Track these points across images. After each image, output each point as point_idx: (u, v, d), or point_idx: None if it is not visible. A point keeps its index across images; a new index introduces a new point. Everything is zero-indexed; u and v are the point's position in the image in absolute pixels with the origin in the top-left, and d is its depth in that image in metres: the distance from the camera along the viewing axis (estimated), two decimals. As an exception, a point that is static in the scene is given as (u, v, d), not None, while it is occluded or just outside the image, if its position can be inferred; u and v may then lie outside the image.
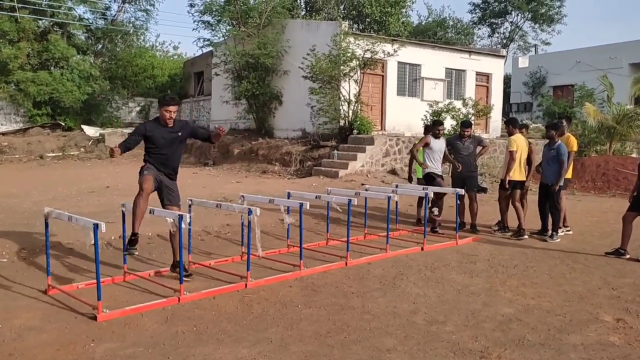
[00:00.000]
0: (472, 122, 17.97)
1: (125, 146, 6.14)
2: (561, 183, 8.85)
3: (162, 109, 6.19)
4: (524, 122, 13.87)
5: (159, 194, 6.36)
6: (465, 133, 9.68)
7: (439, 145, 9.51)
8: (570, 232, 9.42)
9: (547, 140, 9.15)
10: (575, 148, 9.30)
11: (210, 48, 24.67)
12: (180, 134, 6.31)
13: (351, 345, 4.43)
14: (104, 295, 5.06)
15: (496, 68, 23.58)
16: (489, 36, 40.82)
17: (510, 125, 9.45)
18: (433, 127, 9.72)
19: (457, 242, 8.48)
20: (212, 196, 11.34)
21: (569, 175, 9.35)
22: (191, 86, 30.92)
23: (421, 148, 9.70)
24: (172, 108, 6.20)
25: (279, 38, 20.83)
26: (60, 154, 22.54)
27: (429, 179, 9.45)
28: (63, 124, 25.77)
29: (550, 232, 8.93)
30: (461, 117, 17.12)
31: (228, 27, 22.80)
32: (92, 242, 4.91)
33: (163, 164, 6.31)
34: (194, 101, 29.70)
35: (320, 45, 17.84)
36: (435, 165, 9.50)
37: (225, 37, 22.72)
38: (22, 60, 25.37)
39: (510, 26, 38.94)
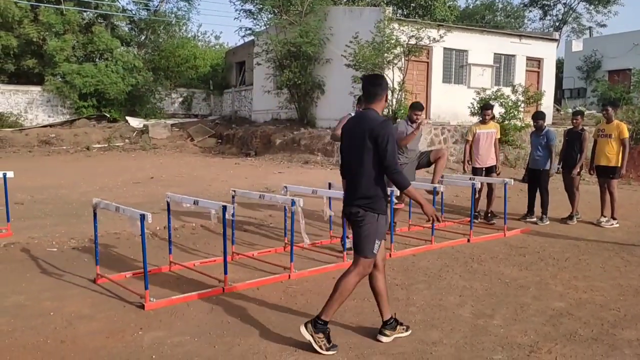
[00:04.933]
0: (523, 109, 17.45)
1: None
2: (551, 168, 9.20)
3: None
4: (577, 108, 13.49)
5: None
6: (415, 116, 8.20)
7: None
8: (618, 225, 9.08)
9: (541, 129, 9.39)
10: (626, 135, 9.03)
11: (252, 37, 24.77)
12: None
13: (396, 338, 4.37)
14: (151, 285, 5.12)
15: (548, 52, 22.92)
16: (540, 19, 39.73)
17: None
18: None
19: (505, 233, 8.29)
20: (255, 187, 11.40)
21: (619, 163, 9.08)
22: (233, 76, 31.10)
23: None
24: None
25: (321, 26, 20.73)
26: (105, 145, 23.06)
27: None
28: (108, 116, 26.31)
29: (540, 215, 9.27)
30: (510, 104, 16.70)
31: (270, 16, 22.88)
32: (139, 232, 4.96)
33: None
34: (235, 91, 29.90)
35: (364, 32, 17.67)
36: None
37: (267, 26, 22.78)
38: (68, 53, 26.04)
39: (564, 8, 37.71)
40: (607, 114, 9.21)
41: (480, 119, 9.62)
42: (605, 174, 9.11)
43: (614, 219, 9.13)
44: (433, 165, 8.48)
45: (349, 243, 7.09)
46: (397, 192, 7.30)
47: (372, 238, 4.15)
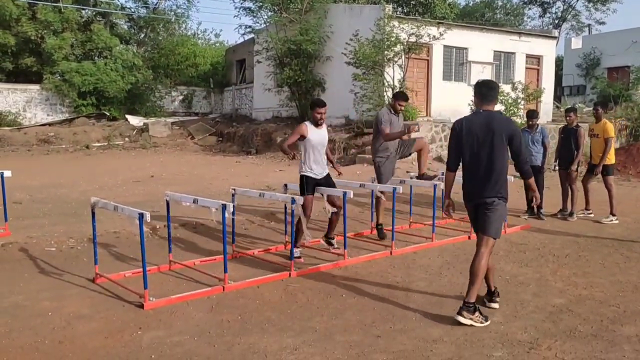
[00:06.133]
0: (523, 106, 17.34)
1: None
2: (545, 164, 9.55)
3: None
4: (570, 105, 13.55)
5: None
6: (399, 106, 7.75)
7: (319, 136, 6.73)
8: (617, 222, 9.13)
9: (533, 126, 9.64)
10: (612, 134, 9.23)
11: (252, 35, 24.73)
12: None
13: (396, 335, 4.37)
14: (151, 284, 5.11)
15: (547, 50, 22.93)
16: (540, 16, 39.63)
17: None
18: (311, 110, 6.75)
19: (506, 230, 8.27)
20: (256, 185, 11.38)
21: (611, 160, 9.35)
22: (233, 74, 31.04)
23: None
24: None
25: (322, 23, 20.69)
26: (105, 143, 22.99)
27: (309, 186, 6.73)
28: (108, 114, 26.23)
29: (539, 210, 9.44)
30: (510, 102, 16.63)
31: (269, 13, 22.84)
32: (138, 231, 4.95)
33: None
34: (236, 89, 29.84)
35: (364, 30, 17.63)
36: (318, 167, 6.74)
37: (267, 24, 22.74)
38: (67, 51, 25.98)
39: (563, 5, 37.60)
40: (596, 113, 9.47)
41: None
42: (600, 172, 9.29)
43: (613, 215, 9.17)
44: (417, 157, 8.29)
45: (298, 252, 6.66)
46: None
47: (502, 221, 4.96)
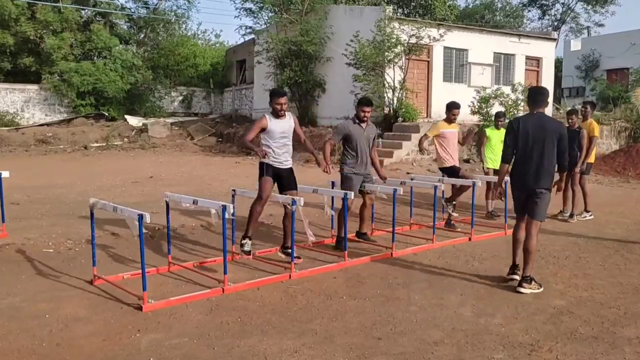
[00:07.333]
0: (522, 107, 17.32)
1: None
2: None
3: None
4: (571, 107, 13.56)
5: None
6: (363, 114, 7.19)
7: (281, 127, 6.46)
8: (592, 217, 9.44)
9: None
10: (596, 133, 9.45)
11: (252, 36, 24.71)
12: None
13: (397, 338, 4.35)
14: (149, 286, 5.07)
15: (547, 52, 22.98)
16: (539, 18, 39.82)
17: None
18: (270, 101, 6.46)
19: (506, 232, 8.24)
20: (256, 186, 11.31)
21: (591, 159, 9.57)
22: (233, 75, 31.00)
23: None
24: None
25: (322, 24, 20.67)
26: (104, 144, 22.84)
27: (276, 177, 6.58)
28: (106, 114, 26.13)
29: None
30: (510, 103, 16.60)
31: (270, 14, 22.83)
32: (138, 232, 4.92)
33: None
34: (236, 90, 29.79)
35: (364, 31, 17.63)
36: (281, 157, 6.51)
37: (268, 25, 22.73)
38: (66, 51, 25.89)
39: (562, 8, 37.68)
40: (585, 111, 9.63)
41: (447, 118, 9.24)
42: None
43: (587, 211, 9.48)
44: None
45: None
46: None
47: (547, 207, 5.68)
